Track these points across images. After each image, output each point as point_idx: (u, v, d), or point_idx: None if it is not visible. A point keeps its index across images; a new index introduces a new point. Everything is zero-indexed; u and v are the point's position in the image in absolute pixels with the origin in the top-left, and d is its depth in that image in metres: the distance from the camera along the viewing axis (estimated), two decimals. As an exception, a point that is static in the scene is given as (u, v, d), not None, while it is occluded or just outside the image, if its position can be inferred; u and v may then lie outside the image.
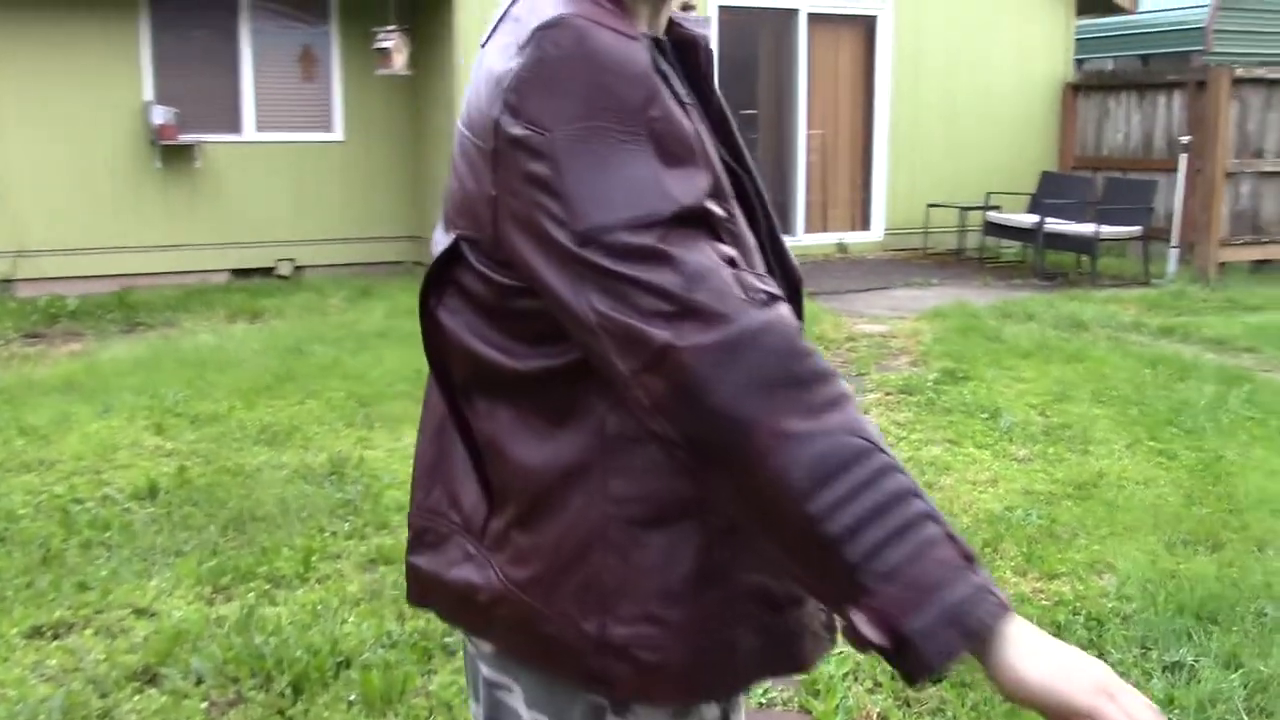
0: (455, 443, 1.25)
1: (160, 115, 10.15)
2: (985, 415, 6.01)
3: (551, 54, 1.08)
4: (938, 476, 5.08)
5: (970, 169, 12.63)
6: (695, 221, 1.07)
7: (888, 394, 6.52)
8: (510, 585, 1.19)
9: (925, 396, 6.42)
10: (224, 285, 10.39)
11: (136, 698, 3.16)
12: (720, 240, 1.09)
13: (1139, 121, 12.27)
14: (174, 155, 10.38)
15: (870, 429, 1.04)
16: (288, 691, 3.17)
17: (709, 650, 1.17)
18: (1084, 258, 11.14)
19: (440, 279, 1.20)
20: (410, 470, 1.35)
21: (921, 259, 12.10)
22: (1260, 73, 11.34)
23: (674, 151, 1.09)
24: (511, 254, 1.12)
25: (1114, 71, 14.64)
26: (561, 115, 1.07)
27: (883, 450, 1.03)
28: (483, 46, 1.21)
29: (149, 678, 3.27)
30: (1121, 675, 3.19)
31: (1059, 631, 3.58)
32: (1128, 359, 7.36)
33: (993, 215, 11.82)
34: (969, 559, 1.01)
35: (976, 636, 0.97)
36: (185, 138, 10.28)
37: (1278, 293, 10.13)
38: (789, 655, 1.22)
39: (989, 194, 12.14)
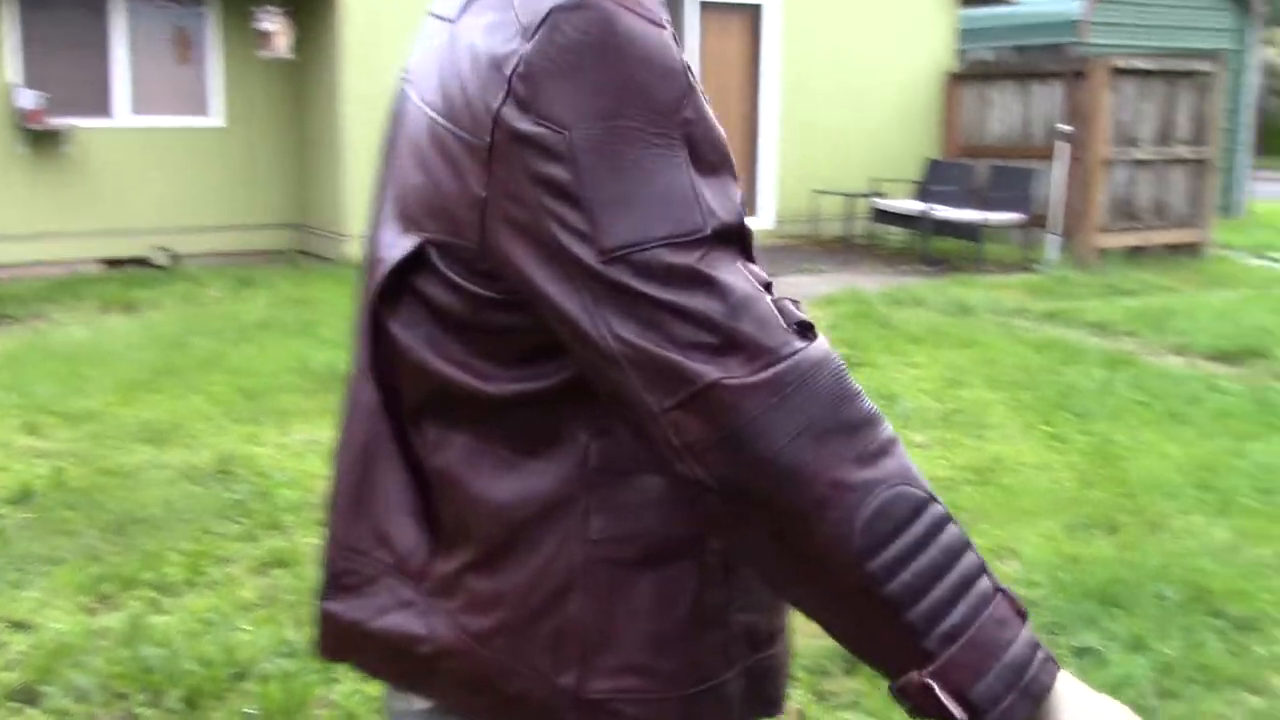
0: (386, 472, 1.11)
1: (27, 98, 9.71)
2: (882, 401, 6.04)
3: (574, 39, 0.94)
4: (840, 464, 5.08)
5: (857, 157, 12.76)
6: (733, 240, 0.96)
7: (785, 382, 6.51)
8: (465, 636, 1.06)
9: (822, 384, 6.42)
10: (96, 275, 9.97)
11: (15, 719, 2.96)
12: (752, 260, 0.98)
13: (1019, 110, 12.51)
14: (42, 140, 9.93)
15: (921, 475, 0.96)
16: (180, 707, 3.00)
17: (703, 700, 1.06)
18: (969, 244, 11.33)
19: (395, 288, 1.05)
20: (327, 491, 1.20)
21: (811, 246, 12.18)
22: (1137, 63, 11.65)
23: (709, 159, 0.96)
24: (503, 265, 0.98)
25: (995, 61, 14.94)
26: (585, 111, 0.93)
27: (936, 499, 0.95)
28: (442, 19, 1.07)
29: (28, 697, 3.07)
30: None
31: (968, 619, 3.58)
32: (1016, 344, 7.49)
33: (879, 202, 11.96)
34: (1021, 615, 0.96)
35: (1038, 699, 0.93)
36: (54, 122, 9.83)
37: (1153, 278, 10.44)
38: (768, 697, 1.13)
39: (876, 181, 12.28)
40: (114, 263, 10.31)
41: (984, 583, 0.94)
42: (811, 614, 0.98)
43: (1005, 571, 3.95)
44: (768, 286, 0.96)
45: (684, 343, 0.91)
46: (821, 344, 0.95)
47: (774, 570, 0.97)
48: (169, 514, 4.32)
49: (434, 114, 1.01)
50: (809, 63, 12.59)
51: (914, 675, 0.92)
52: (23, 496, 4.49)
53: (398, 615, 1.09)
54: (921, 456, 5.19)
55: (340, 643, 1.15)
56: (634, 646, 1.04)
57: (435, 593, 1.08)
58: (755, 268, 0.97)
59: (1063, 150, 11.41)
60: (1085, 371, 6.71)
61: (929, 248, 11.42)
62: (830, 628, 0.97)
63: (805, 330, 0.95)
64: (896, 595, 0.91)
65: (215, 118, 10.76)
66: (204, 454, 5.06)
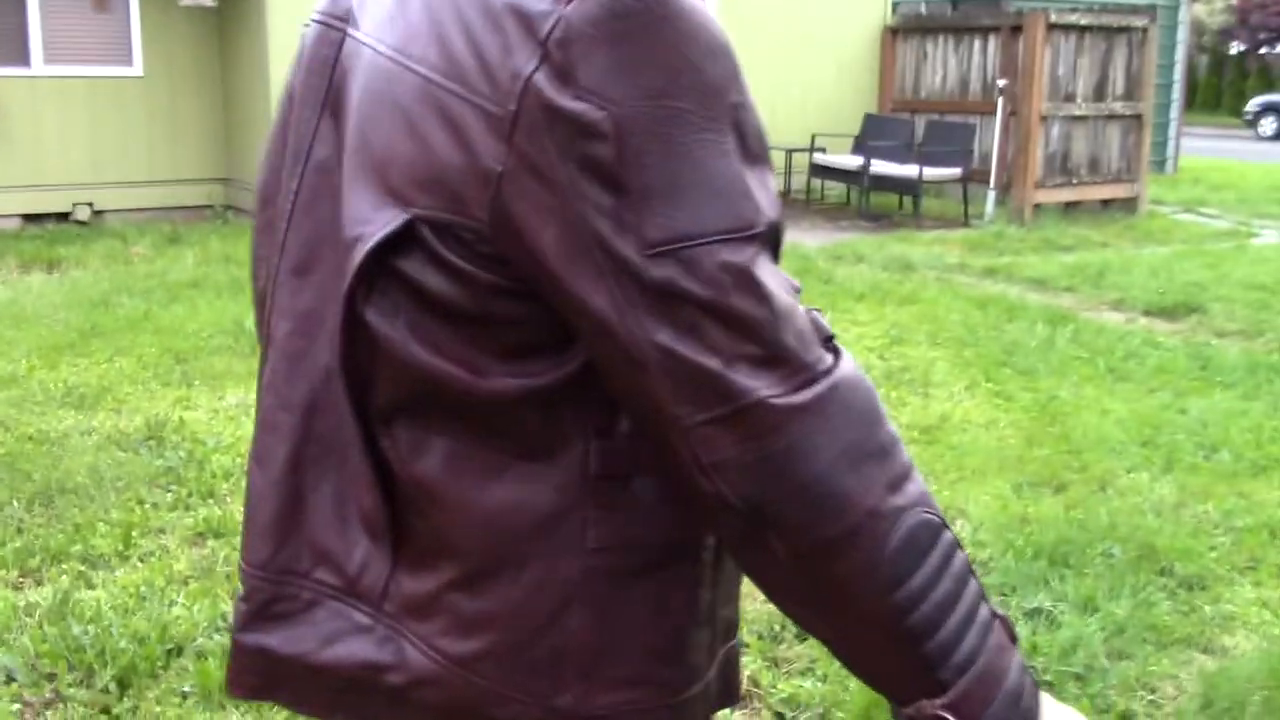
0: (323, 481, 1.00)
1: (-64, 46, 9.29)
2: (827, 360, 6.00)
3: (624, 4, 0.82)
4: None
5: (795, 112, 12.67)
6: (776, 241, 0.89)
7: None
8: (446, 661, 0.96)
9: (766, 342, 6.37)
10: (15, 232, 9.64)
11: (-64, 703, 2.83)
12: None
13: (955, 65, 12.49)
14: (-47, 90, 9.53)
15: (932, 496, 0.92)
16: (112, 686, 2.88)
17: (695, 702, 1.01)
18: (907, 199, 11.33)
19: (374, 270, 0.91)
20: (247, 502, 1.06)
21: (749, 201, 12.08)
22: (1074, 18, 11.66)
23: (753, 148, 0.88)
24: (516, 250, 0.86)
25: (931, 15, 14.89)
26: (634, 87, 0.82)
27: (946, 524, 0.92)
28: None
29: (-50, 679, 2.93)
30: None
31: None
32: (958, 300, 7.49)
33: (819, 157, 11.89)
34: (1013, 639, 0.95)
35: None
36: (-34, 71, 9.44)
37: (1088, 233, 10.51)
38: (731, 687, 1.08)
39: (814, 136, 12.21)
40: (34, 218, 9.97)
41: (984, 609, 0.92)
42: (817, 633, 0.93)
43: (954, 532, 3.93)
44: (797, 293, 0.90)
45: (728, 352, 0.84)
46: (851, 361, 0.89)
47: (786, 591, 0.91)
48: (97, 483, 4.16)
49: (427, 71, 0.88)
50: (745, 17, 12.45)
51: (926, 705, 0.90)
52: (-59, 466, 4.31)
53: (352, 642, 0.99)
54: (868, 415, 5.15)
55: (270, 680, 1.04)
56: (634, 657, 0.97)
57: (402, 615, 0.97)
58: (785, 273, 0.90)
59: (1000, 105, 11.41)
60: (1027, 328, 6.72)
61: (868, 203, 11.40)
62: (835, 648, 0.93)
63: (832, 345, 0.89)
64: (917, 627, 0.88)
65: (137, 67, 10.40)
66: (133, 419, 4.88)
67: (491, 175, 0.84)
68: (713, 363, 0.83)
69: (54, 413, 4.96)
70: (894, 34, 13.13)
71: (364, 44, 0.96)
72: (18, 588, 3.43)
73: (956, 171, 11.24)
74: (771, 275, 0.86)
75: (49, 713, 2.80)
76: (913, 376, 5.77)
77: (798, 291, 0.90)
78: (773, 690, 3.00)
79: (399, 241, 0.89)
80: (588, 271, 0.84)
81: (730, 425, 0.84)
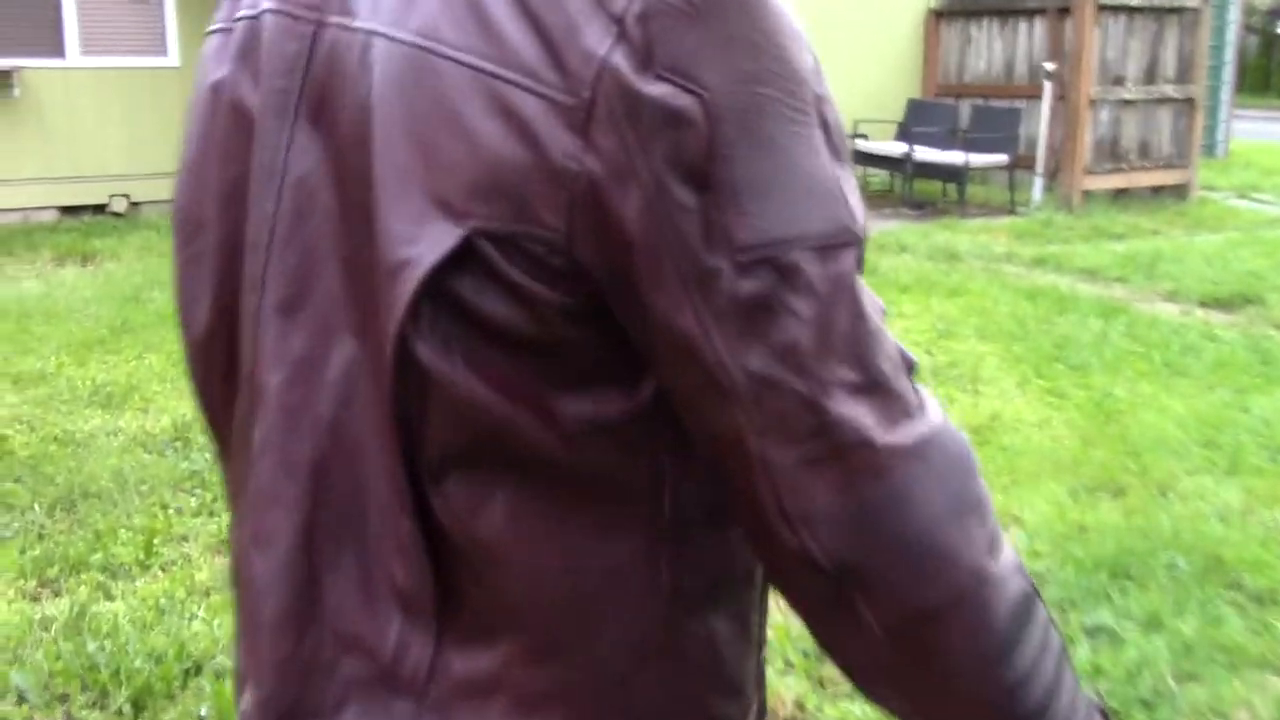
0: (342, 555, 0.84)
1: (-30, 38, 9.26)
2: (871, 355, 5.82)
3: None
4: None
5: (838, 97, 12.11)
6: (864, 249, 0.78)
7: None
8: None
9: (808, 336, 6.20)
10: (51, 224, 9.60)
11: (-55, 724, 2.72)
12: None
13: (1001, 48, 12.22)
14: (-12, 82, 9.51)
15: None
16: (127, 708, 2.76)
17: None
18: (951, 186, 11.09)
19: (425, 298, 0.76)
20: (239, 604, 0.91)
21: (790, 189, 11.89)
22: (1123, -1, 11.38)
23: (840, 147, 0.77)
24: (595, 259, 0.74)
25: (975, -3, 14.60)
26: (724, 70, 0.71)
27: (1038, 590, 0.80)
28: None
29: (-40, 698, 2.83)
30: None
31: (972, 594, 3.38)
32: (1006, 292, 7.27)
33: (861, 144, 11.66)
34: (1104, 714, 0.86)
35: None
36: (1, 63, 9.40)
37: (1139, 220, 10.24)
38: (763, 702, 0.99)
39: (857, 122, 11.98)
40: (71, 210, 9.94)
41: (1084, 694, 0.84)
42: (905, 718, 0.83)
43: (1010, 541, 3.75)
44: (882, 315, 0.79)
45: (826, 378, 0.73)
46: (933, 398, 0.79)
47: (874, 669, 0.79)
48: (121, 487, 4.06)
49: (472, 59, 0.74)
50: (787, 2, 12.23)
51: None
52: (-36, 468, 4.22)
53: None
54: (915, 414, 4.98)
55: None
56: (699, 702, 0.86)
57: (453, 700, 0.82)
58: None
59: (1048, 90, 11.14)
60: (1078, 321, 6.50)
61: (912, 190, 11.17)
62: None
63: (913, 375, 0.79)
64: (1030, 710, 0.78)
65: (173, 58, 10.34)
66: (160, 420, 4.78)
67: (565, 174, 0.72)
68: (810, 389, 0.72)
69: (80, 412, 4.87)
70: (938, 17, 12.86)
71: (368, 33, 0.80)
72: (35, 599, 3.32)
73: (1003, 158, 10.98)
74: (865, 290, 0.76)
75: (61, 736, 2.69)
76: (961, 373, 5.57)
77: (883, 313, 0.79)
78: (819, 714, 2.85)
79: (452, 261, 0.75)
80: (671, 282, 0.73)
81: (826, 467, 0.73)
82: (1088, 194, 11.02)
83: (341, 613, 0.84)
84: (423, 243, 0.74)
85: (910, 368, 0.78)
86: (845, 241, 0.74)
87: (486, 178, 0.73)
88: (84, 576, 3.43)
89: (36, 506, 3.90)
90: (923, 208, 10.87)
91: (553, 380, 0.78)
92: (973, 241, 8.95)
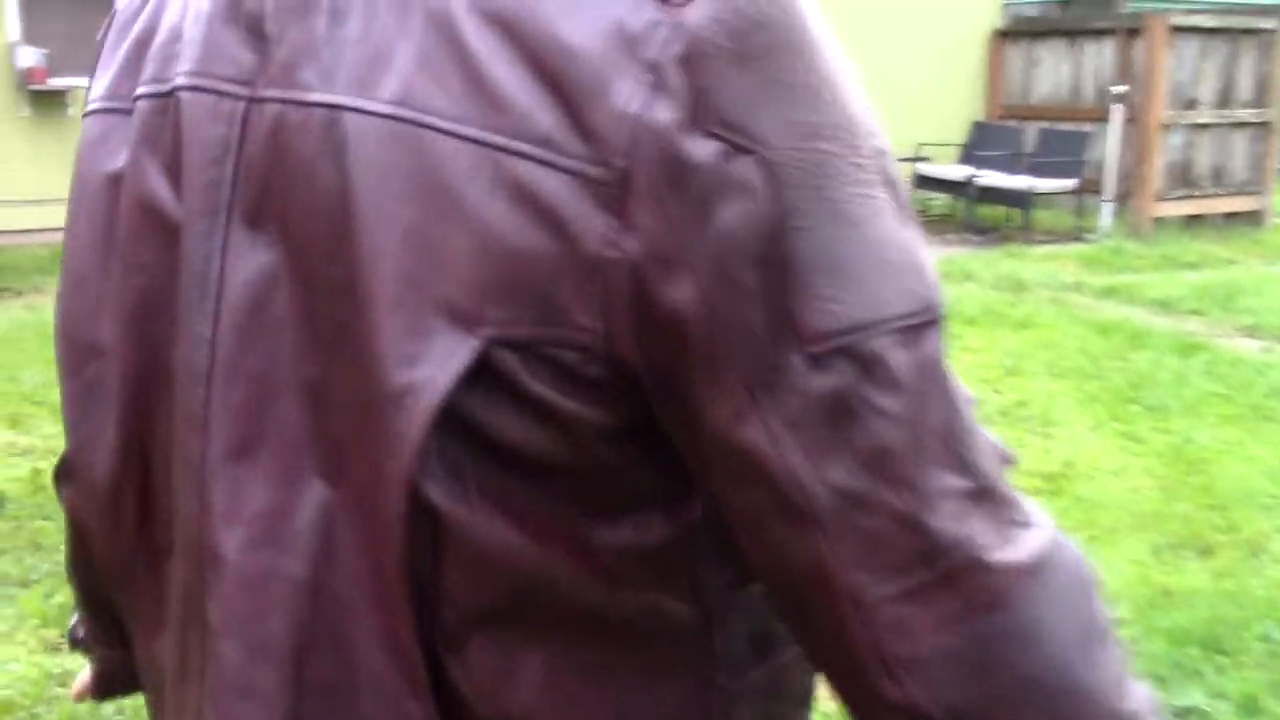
0: None
1: (28, 57, 9.27)
2: (936, 393, 5.57)
3: (759, 12, 0.59)
4: (893, 468, 4.61)
5: (897, 119, 12.16)
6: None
7: (828, 367, 6.04)
8: None
9: (869, 370, 5.96)
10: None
11: (-50, 793, 2.56)
12: None
13: (1068, 70, 11.90)
14: (44, 101, 9.49)
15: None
16: (141, 780, 2.59)
17: None
18: (1015, 211, 10.79)
19: (435, 431, 0.61)
20: None
21: (848, 212, 11.66)
22: (1197, 20, 11.02)
23: (907, 206, 0.65)
24: (638, 362, 0.61)
25: (1042, 17, 14.28)
26: (783, 123, 0.59)
27: None
28: None
29: (-32, 764, 2.67)
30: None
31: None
32: (1076, 325, 6.98)
33: (923, 167, 11.39)
34: None
35: None
36: (57, 82, 9.39)
37: (1212, 249, 9.88)
38: None
39: (918, 145, 11.71)
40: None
41: None
42: None
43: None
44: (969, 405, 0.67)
45: (927, 488, 0.61)
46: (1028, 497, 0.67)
47: None
48: (152, 526, 3.91)
49: (470, 130, 0.60)
50: (847, 23, 12.01)
51: None
52: (-4, 503, 4.09)
53: None
54: (983, 459, 4.72)
55: None
56: None
57: None
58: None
59: (1116, 113, 10.81)
60: (1154, 358, 6.20)
61: (975, 216, 10.87)
62: None
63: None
64: None
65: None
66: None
67: (600, 263, 0.59)
68: (907, 503, 0.60)
69: (117, 444, 4.74)
70: (1002, 37, 12.56)
71: (329, 108, 0.63)
72: (55, 650, 3.17)
73: (1070, 183, 10.67)
74: (954, 377, 0.64)
75: (70, 810, 2.52)
76: (1031, 413, 5.30)
77: (972, 404, 0.66)
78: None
79: (473, 381, 0.61)
80: (733, 385, 0.60)
81: (934, 599, 0.61)
82: (1158, 221, 10.68)
83: None
84: (429, 361, 0.60)
85: (1007, 464, 0.67)
86: (929, 320, 0.62)
87: (502, 274, 0.59)
88: (107, 627, 3.27)
89: (63, 546, 3.75)
90: (986, 233, 10.57)
91: (588, 510, 0.65)
92: (1039, 270, 8.66)
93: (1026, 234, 10.39)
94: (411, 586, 0.63)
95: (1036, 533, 0.63)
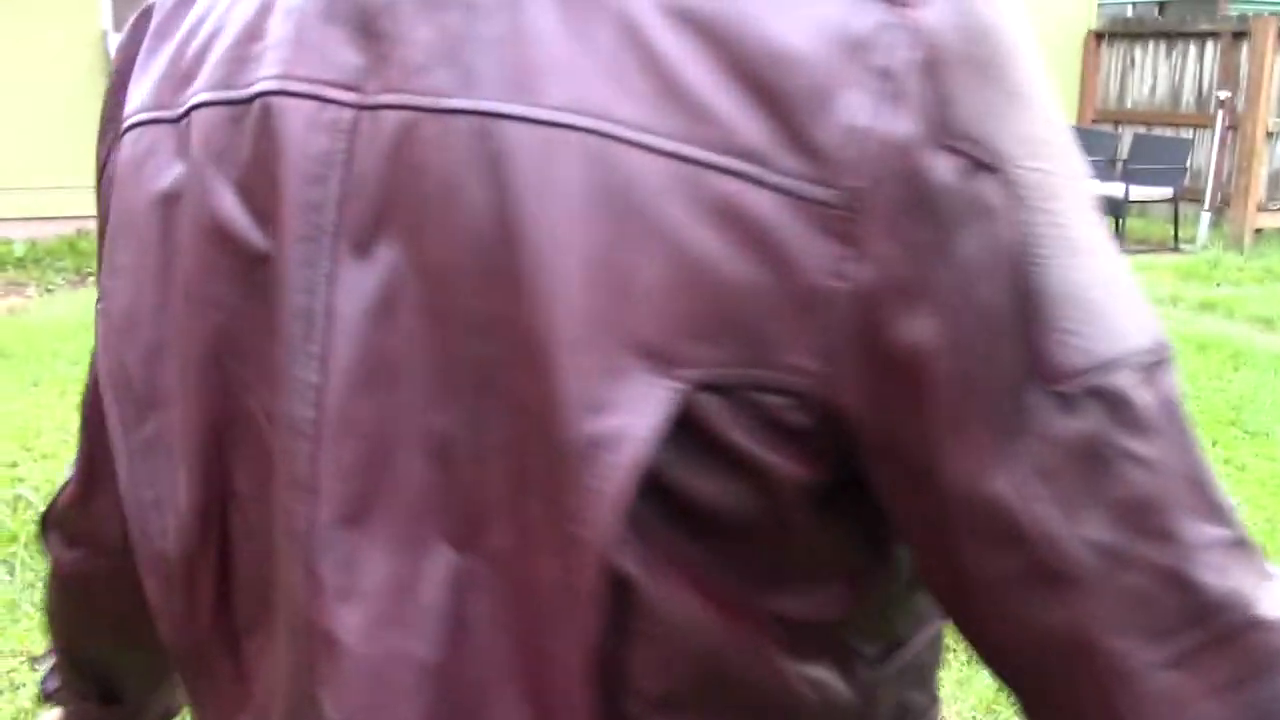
0: None
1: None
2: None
3: (992, 17, 0.54)
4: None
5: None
6: None
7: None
8: None
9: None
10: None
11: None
12: None
13: (1167, 73, 11.55)
14: (134, 88, 9.66)
15: None
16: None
17: None
18: (1110, 220, 10.49)
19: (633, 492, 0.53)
20: None
21: (934, 216, 11.45)
22: (1307, 24, 10.63)
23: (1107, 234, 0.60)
24: (862, 411, 0.54)
25: (1139, 19, 13.89)
26: (1017, 138, 0.53)
27: None
28: None
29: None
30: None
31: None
32: (1173, 341, 6.68)
33: (1012, 171, 11.14)
34: None
35: None
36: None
37: (1317, 263, 9.51)
38: None
39: (1008, 148, 11.46)
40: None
41: None
42: None
43: None
44: None
45: (1189, 540, 0.55)
46: None
47: None
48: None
49: (664, 142, 0.51)
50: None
51: None
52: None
53: None
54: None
55: None
56: None
57: None
58: None
59: (1218, 119, 10.46)
60: (1257, 379, 5.94)
61: (1065, 222, 10.60)
62: None
63: None
64: None
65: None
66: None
67: (822, 295, 0.52)
68: (1168, 558, 0.55)
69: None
70: (1098, 38, 12.23)
71: (480, 115, 0.54)
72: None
73: (1166, 191, 10.34)
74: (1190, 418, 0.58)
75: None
76: (1125, 434, 5.10)
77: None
78: None
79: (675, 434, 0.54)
80: (977, 432, 0.54)
81: (1208, 662, 0.55)
82: (1259, 232, 10.32)
83: None
84: (621, 408, 0.52)
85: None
86: (1166, 356, 0.57)
87: (705, 307, 0.52)
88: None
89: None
90: (1077, 241, 10.30)
91: (777, 579, 0.58)
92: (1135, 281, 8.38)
93: (1120, 243, 10.07)
94: (593, 671, 0.55)
95: None
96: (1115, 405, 0.54)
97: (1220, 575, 0.55)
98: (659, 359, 0.52)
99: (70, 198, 9.46)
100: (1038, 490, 0.54)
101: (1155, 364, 0.55)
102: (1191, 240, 10.20)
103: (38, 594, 3.36)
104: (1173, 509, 0.55)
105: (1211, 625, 0.55)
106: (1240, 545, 0.57)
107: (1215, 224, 10.37)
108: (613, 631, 0.55)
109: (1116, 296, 0.55)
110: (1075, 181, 0.56)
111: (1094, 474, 0.54)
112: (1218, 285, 8.47)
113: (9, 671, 2.99)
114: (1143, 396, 0.54)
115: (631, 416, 0.52)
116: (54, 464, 4.32)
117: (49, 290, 7.50)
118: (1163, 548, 0.55)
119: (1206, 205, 10.38)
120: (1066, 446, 0.54)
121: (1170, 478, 0.55)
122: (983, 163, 0.52)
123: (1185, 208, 10.49)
